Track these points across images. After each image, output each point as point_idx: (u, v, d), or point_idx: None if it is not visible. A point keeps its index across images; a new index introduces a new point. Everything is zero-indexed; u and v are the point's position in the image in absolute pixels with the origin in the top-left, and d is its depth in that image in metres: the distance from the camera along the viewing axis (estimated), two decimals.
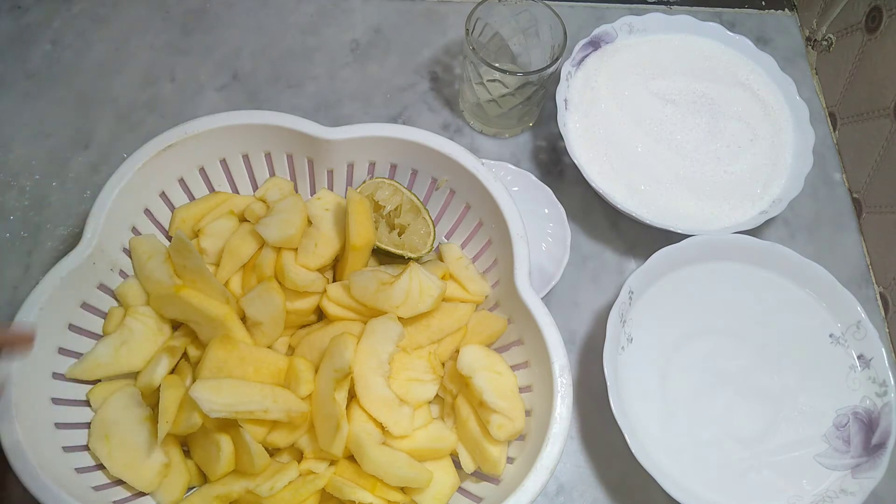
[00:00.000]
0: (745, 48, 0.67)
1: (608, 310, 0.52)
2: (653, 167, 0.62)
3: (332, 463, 0.46)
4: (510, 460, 0.46)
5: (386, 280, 0.48)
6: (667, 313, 0.56)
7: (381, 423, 0.46)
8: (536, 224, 0.59)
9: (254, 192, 0.55)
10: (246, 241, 0.50)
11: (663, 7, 0.75)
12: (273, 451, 0.47)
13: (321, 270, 0.50)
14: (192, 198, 0.53)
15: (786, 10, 0.78)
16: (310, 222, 0.51)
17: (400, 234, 0.52)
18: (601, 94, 0.65)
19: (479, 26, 0.62)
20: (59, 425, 0.44)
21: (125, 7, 0.71)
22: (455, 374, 0.48)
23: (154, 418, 0.45)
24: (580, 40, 0.66)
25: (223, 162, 0.53)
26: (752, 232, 0.58)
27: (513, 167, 0.61)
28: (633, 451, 0.48)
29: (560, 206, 0.60)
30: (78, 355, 0.47)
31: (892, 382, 0.52)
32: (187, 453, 0.47)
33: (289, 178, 0.55)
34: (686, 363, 0.54)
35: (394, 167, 0.53)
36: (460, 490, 0.47)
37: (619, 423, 0.49)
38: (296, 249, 0.50)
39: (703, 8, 0.77)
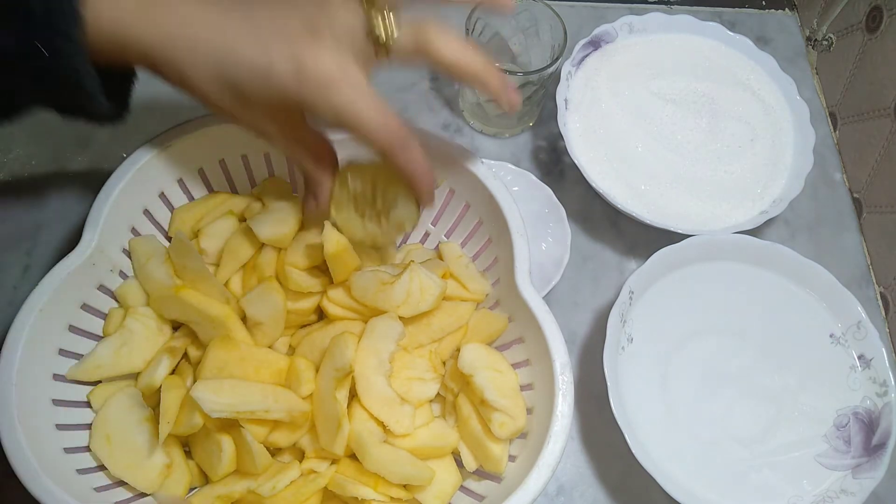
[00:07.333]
0: (746, 48, 0.67)
1: (608, 310, 0.52)
2: (653, 167, 0.62)
3: (334, 462, 0.46)
4: (512, 458, 0.46)
5: (386, 280, 0.48)
6: (667, 313, 0.56)
7: (382, 422, 0.45)
8: (536, 224, 0.59)
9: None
10: (245, 241, 0.50)
11: (664, 7, 0.75)
12: (274, 451, 0.47)
13: (308, 271, 0.50)
14: (191, 198, 0.53)
15: (786, 9, 0.78)
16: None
17: (380, 218, 0.47)
18: (601, 93, 0.65)
19: (479, 26, 0.62)
20: (59, 426, 0.44)
21: None
22: (456, 373, 0.48)
23: (155, 419, 0.45)
24: (580, 40, 0.66)
25: (222, 162, 0.52)
26: (753, 232, 0.58)
27: (513, 167, 0.61)
28: (633, 451, 0.48)
29: (560, 205, 0.60)
30: (78, 356, 0.46)
31: (893, 382, 0.52)
32: (188, 454, 0.47)
33: (288, 179, 0.54)
34: (686, 363, 0.54)
35: None
36: (462, 489, 0.47)
37: (619, 423, 0.49)
38: (286, 249, 0.50)
39: (703, 8, 0.77)
